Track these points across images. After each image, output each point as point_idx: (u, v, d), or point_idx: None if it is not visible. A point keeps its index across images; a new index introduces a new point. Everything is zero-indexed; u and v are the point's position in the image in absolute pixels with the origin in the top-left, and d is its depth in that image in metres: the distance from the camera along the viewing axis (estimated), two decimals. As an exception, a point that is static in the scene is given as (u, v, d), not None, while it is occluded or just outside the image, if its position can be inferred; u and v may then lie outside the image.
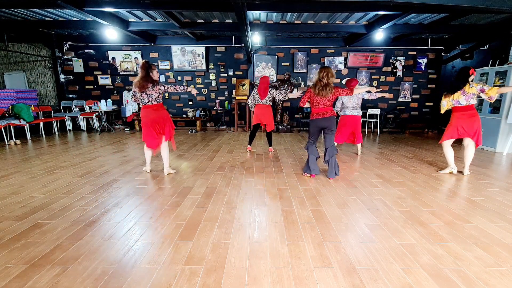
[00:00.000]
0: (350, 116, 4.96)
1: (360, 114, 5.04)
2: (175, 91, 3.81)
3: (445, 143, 3.97)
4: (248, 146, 5.50)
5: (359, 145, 5.23)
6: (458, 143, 4.83)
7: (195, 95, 4.16)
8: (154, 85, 3.62)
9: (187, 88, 3.89)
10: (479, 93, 3.65)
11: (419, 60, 8.35)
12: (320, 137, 4.33)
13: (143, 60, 3.69)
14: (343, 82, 5.24)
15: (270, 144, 5.44)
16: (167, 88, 3.74)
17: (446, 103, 3.86)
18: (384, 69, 8.48)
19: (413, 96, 8.61)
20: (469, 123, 3.75)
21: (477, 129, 3.76)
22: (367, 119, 8.14)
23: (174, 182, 3.53)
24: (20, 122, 6.37)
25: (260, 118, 5.15)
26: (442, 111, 3.94)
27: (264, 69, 8.40)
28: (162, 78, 8.53)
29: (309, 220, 2.49)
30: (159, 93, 3.69)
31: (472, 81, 3.70)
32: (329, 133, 3.66)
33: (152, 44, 8.18)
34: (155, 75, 3.65)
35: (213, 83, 8.57)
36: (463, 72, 3.69)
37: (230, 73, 8.52)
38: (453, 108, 3.85)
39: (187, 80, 8.54)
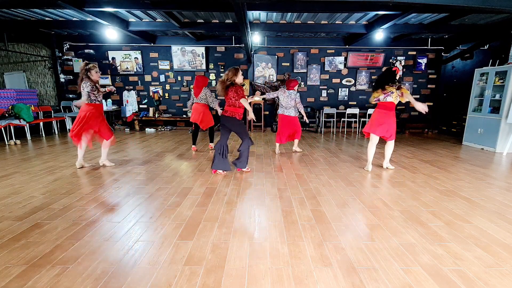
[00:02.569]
0: (287, 116, 5.13)
1: (296, 115, 5.17)
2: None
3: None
4: (193, 146, 5.56)
5: (296, 141, 5.41)
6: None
7: (113, 91, 4.61)
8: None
9: (106, 89, 4.19)
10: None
11: (419, 60, 8.35)
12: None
13: (90, 64, 3.88)
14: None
15: (211, 141, 5.64)
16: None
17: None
18: (384, 69, 8.45)
19: (413, 96, 8.60)
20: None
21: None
22: (367, 119, 8.13)
23: (174, 182, 3.53)
24: (20, 122, 6.37)
25: (195, 117, 5.26)
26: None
27: (264, 69, 8.40)
28: (162, 78, 8.53)
29: (309, 220, 2.49)
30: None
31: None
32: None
33: (152, 44, 8.18)
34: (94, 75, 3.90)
35: (213, 83, 8.56)
36: (389, 71, 3.83)
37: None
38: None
39: (187, 80, 8.55)
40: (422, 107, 3.67)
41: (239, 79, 3.69)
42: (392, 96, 3.82)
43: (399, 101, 3.98)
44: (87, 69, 3.81)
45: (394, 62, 8.37)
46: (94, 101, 3.91)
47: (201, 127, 5.30)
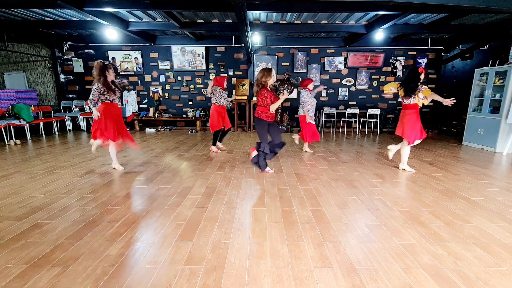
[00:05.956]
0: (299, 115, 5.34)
1: (301, 114, 5.23)
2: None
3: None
4: (212, 146, 5.47)
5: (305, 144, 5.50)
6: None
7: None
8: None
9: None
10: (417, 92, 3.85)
11: (419, 60, 8.35)
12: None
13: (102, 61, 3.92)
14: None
15: (219, 140, 5.58)
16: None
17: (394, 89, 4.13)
18: (384, 69, 8.48)
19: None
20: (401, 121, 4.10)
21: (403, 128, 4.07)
22: (367, 119, 8.14)
23: (174, 182, 3.53)
24: (20, 122, 6.37)
25: (213, 124, 5.24)
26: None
27: (264, 69, 8.39)
28: (162, 78, 8.53)
29: (309, 220, 2.49)
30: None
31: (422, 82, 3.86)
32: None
33: (152, 44, 8.18)
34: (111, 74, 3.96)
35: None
36: (414, 73, 3.86)
37: (230, 73, 8.52)
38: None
39: (187, 80, 8.55)
40: (449, 102, 3.73)
41: (272, 80, 3.73)
42: (416, 98, 3.89)
43: (398, 101, 4.00)
44: (104, 67, 3.86)
45: (394, 62, 8.37)
46: (104, 100, 3.96)
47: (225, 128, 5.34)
